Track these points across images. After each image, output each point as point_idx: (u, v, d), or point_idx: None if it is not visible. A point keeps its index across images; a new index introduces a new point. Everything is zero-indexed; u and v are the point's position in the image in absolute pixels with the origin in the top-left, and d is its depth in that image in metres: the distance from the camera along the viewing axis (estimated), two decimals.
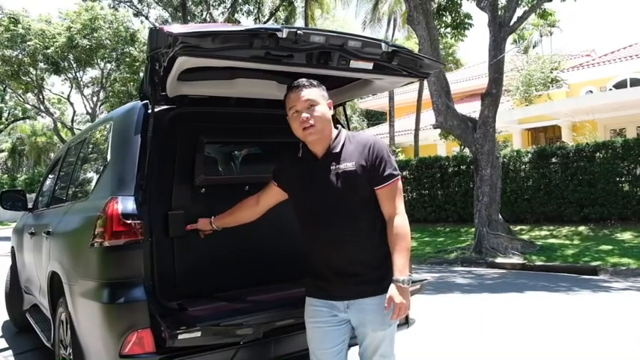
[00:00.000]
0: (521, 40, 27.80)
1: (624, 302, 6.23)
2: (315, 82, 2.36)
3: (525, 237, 11.48)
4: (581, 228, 11.89)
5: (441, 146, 21.90)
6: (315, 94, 2.31)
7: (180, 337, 2.40)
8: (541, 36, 28.78)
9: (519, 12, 11.38)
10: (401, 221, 2.24)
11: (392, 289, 2.16)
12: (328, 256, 2.31)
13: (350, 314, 2.32)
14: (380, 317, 2.25)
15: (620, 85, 19.55)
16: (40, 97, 27.71)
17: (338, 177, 2.25)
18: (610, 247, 9.90)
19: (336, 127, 2.40)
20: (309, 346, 2.48)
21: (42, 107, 28.70)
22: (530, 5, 11.88)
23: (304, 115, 2.28)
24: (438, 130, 15.69)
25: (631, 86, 18.64)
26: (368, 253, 2.27)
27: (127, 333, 2.46)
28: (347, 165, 2.25)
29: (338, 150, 2.30)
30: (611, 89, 19.46)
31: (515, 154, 13.58)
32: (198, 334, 2.44)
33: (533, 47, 28.97)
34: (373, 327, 2.29)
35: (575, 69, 20.87)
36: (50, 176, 5.11)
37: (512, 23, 11.06)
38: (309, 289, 2.47)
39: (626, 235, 10.87)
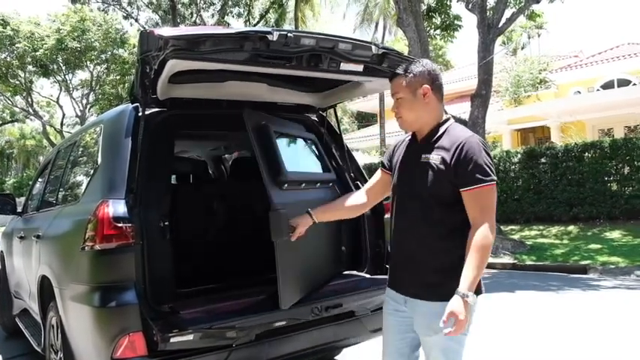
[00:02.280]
0: (510, 41, 28.06)
1: (613, 301, 6.29)
2: (403, 70, 2.20)
3: (516, 237, 11.55)
4: (571, 227, 11.98)
5: None
6: (399, 85, 2.19)
7: (172, 340, 2.40)
8: (529, 37, 29.03)
9: (508, 13, 11.48)
10: (481, 233, 2.01)
11: (456, 303, 1.96)
12: (400, 242, 2.25)
13: (408, 310, 2.22)
14: (427, 323, 2.12)
15: (607, 85, 19.71)
16: (29, 99, 27.47)
17: (422, 167, 2.14)
18: (599, 246, 9.99)
19: (446, 120, 2.22)
20: None
21: (31, 110, 28.45)
22: (518, 7, 11.98)
23: (395, 107, 2.23)
24: None
25: (618, 87, 18.80)
26: (434, 253, 2.12)
27: (118, 337, 2.45)
28: (432, 157, 2.12)
29: (432, 140, 2.17)
30: (598, 90, 19.61)
31: (504, 154, 13.66)
32: (191, 337, 2.44)
33: (522, 49, 29.23)
34: (420, 330, 2.18)
35: (563, 70, 21.02)
36: (40, 180, 5.08)
37: (500, 25, 11.15)
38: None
39: (615, 234, 10.96)
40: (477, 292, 2.07)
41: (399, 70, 2.21)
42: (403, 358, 2.28)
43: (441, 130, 2.18)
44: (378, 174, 2.47)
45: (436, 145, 2.15)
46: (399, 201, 2.26)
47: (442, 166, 2.09)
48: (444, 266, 2.10)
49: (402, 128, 2.28)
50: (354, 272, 3.59)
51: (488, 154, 2.09)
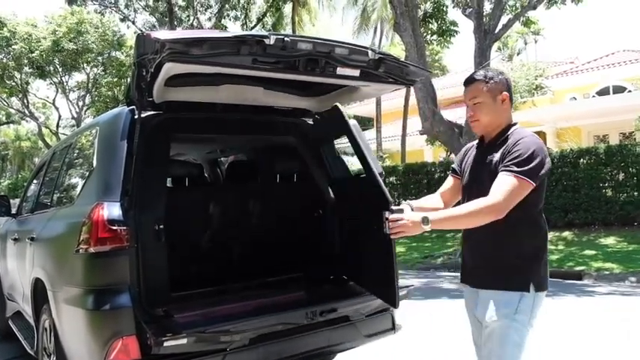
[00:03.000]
0: (506, 47, 28.15)
1: (608, 307, 6.30)
2: (483, 76, 2.32)
3: None
4: (566, 233, 12.00)
5: (428, 152, 22.00)
6: (480, 90, 2.31)
7: (165, 343, 2.39)
8: (526, 44, 29.14)
9: (504, 20, 11.54)
10: (482, 200, 2.12)
11: (413, 214, 2.21)
12: (466, 238, 2.38)
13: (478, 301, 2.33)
14: (484, 310, 2.23)
15: (603, 92, 19.79)
16: (25, 101, 27.37)
17: (486, 166, 2.28)
18: (594, 252, 10.01)
19: (513, 124, 2.34)
20: None
21: (26, 112, 28.35)
22: (514, 13, 12.05)
23: (469, 110, 2.35)
24: (425, 136, 15.78)
25: (614, 93, 18.88)
26: (497, 247, 2.23)
27: (112, 340, 2.44)
28: (495, 156, 2.26)
29: (499, 142, 2.30)
30: (594, 96, 19.70)
31: None
32: (184, 340, 2.43)
33: (518, 54, 29.31)
34: (481, 317, 2.27)
35: (559, 76, 21.11)
36: (35, 181, 5.06)
37: (497, 31, 11.21)
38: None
39: (610, 240, 10.99)
40: (539, 288, 2.19)
41: (480, 77, 2.33)
42: None
43: (508, 133, 2.30)
44: (450, 180, 2.58)
45: (501, 146, 2.27)
46: (464, 198, 2.39)
47: (500, 162, 2.21)
48: (509, 259, 2.21)
49: (476, 131, 2.42)
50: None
51: (538, 156, 2.15)
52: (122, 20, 23.25)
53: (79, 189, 3.27)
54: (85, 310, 2.54)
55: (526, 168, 2.13)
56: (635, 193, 11.70)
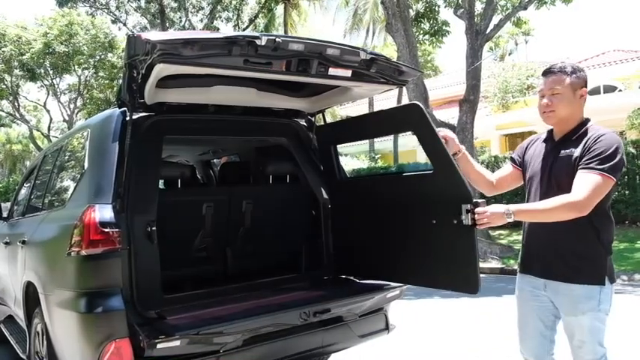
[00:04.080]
0: (498, 47, 28.28)
1: None
2: (563, 69, 2.32)
3: (504, 241, 11.62)
4: None
5: (421, 152, 22.03)
6: (562, 82, 2.30)
7: (158, 346, 2.38)
8: (517, 44, 29.31)
9: (495, 20, 11.59)
10: (563, 197, 2.18)
11: (498, 207, 2.30)
12: (538, 230, 2.38)
13: (548, 294, 2.38)
14: (570, 303, 2.30)
15: (594, 91, 19.88)
16: (16, 104, 27.18)
17: (562, 160, 2.30)
18: None
19: (587, 119, 2.37)
20: None
21: (17, 114, 28.15)
22: (506, 13, 12.11)
23: (544, 100, 2.34)
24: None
25: (604, 93, 19.02)
26: (575, 239, 2.27)
27: (104, 343, 2.43)
28: (572, 151, 2.27)
29: (574, 138, 2.31)
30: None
31: (493, 159, 13.75)
32: (177, 342, 2.42)
33: (510, 54, 29.47)
34: (564, 311, 2.34)
35: None
36: (26, 184, 5.03)
37: (488, 31, 11.26)
38: (519, 263, 2.58)
39: None
40: (612, 279, 2.30)
41: (563, 68, 2.32)
42: (544, 338, 2.46)
43: (583, 129, 2.32)
44: (509, 167, 2.64)
45: (576, 142, 2.29)
46: (534, 191, 2.40)
47: (577, 158, 2.24)
48: (585, 251, 2.27)
49: (549, 122, 2.41)
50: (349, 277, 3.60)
51: (620, 153, 2.20)
52: (113, 22, 23.13)
53: (70, 191, 3.25)
54: (77, 313, 2.52)
55: (609, 165, 2.17)
56: (627, 192, 11.78)
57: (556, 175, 2.31)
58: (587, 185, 2.15)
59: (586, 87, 2.35)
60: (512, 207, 2.27)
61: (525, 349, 2.54)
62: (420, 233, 2.93)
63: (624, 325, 5.17)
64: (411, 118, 2.91)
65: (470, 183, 2.68)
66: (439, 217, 2.75)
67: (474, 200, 2.48)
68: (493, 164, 13.45)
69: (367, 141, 22.68)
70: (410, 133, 3.16)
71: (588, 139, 2.25)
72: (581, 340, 2.31)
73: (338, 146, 3.79)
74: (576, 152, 2.26)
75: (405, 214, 3.08)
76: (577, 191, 2.16)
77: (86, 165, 3.00)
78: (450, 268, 2.80)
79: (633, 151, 11.85)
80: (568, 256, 2.30)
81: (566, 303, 2.32)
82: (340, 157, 3.83)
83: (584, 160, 2.21)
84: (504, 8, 12.34)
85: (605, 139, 2.22)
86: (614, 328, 2.41)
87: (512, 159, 2.63)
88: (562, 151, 2.31)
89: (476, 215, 2.40)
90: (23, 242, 3.51)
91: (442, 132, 2.72)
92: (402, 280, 3.25)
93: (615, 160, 2.18)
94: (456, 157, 2.69)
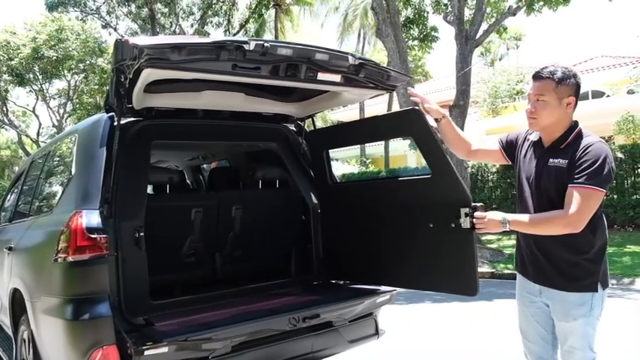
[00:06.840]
0: (488, 53, 28.50)
1: None
2: (552, 74, 2.24)
3: (494, 246, 11.65)
4: None
5: (411, 157, 22.14)
6: (547, 89, 2.24)
7: (146, 352, 2.36)
8: (507, 49, 29.55)
9: (485, 26, 11.67)
10: (558, 213, 2.18)
11: (496, 214, 2.32)
12: (531, 237, 2.37)
13: (544, 299, 2.39)
14: (562, 310, 2.31)
15: (582, 96, 19.69)
16: (4, 109, 26.97)
17: (550, 170, 2.28)
18: None
19: (575, 124, 2.32)
20: None
21: (6, 120, 27.92)
22: (495, 18, 12.21)
23: (530, 106, 2.31)
24: (408, 141, 15.88)
25: (593, 98, 19.20)
26: (568, 248, 2.27)
27: (91, 350, 2.41)
28: (560, 161, 2.25)
29: (562, 146, 2.28)
30: None
31: (483, 164, 13.82)
32: (165, 349, 2.40)
33: (500, 60, 29.69)
34: (557, 317, 2.35)
35: None
36: (14, 190, 4.98)
37: (478, 36, 11.33)
38: (516, 264, 2.58)
39: None
40: (605, 285, 2.29)
41: (550, 74, 2.25)
42: (546, 343, 2.47)
43: (571, 136, 2.28)
44: (494, 146, 2.62)
45: (565, 151, 2.26)
46: (524, 197, 2.39)
47: (566, 168, 2.22)
48: (580, 261, 2.27)
49: (532, 129, 2.40)
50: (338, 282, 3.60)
51: (608, 164, 2.18)
52: (104, 27, 23.07)
53: (57, 197, 3.22)
54: (63, 320, 2.50)
55: (598, 179, 2.15)
56: (615, 196, 11.87)
57: (546, 188, 2.29)
58: (579, 202, 2.14)
59: (576, 95, 2.28)
60: (509, 216, 2.29)
61: (529, 353, 2.56)
62: (416, 237, 2.94)
63: (613, 329, 5.20)
64: (410, 123, 2.92)
65: (446, 144, 2.73)
66: (436, 221, 2.77)
67: (473, 204, 2.50)
68: (483, 169, 13.52)
69: (358, 146, 22.74)
70: (400, 137, 3.17)
71: (576, 150, 2.22)
72: (572, 346, 2.33)
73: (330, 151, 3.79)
74: (565, 164, 2.23)
75: (400, 219, 3.08)
76: (569, 209, 2.16)
77: (74, 170, 2.98)
78: (448, 270, 2.81)
79: (621, 155, 11.96)
80: (561, 263, 2.30)
81: (559, 309, 2.34)
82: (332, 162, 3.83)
83: (573, 174, 2.19)
84: (493, 13, 12.44)
85: (592, 149, 2.19)
86: (602, 333, 2.42)
87: (500, 142, 2.61)
88: (550, 160, 2.29)
89: (474, 219, 2.43)
90: (10, 249, 3.48)
91: (425, 103, 2.72)
92: (397, 284, 3.26)
93: (604, 173, 2.16)
94: (440, 122, 2.70)
